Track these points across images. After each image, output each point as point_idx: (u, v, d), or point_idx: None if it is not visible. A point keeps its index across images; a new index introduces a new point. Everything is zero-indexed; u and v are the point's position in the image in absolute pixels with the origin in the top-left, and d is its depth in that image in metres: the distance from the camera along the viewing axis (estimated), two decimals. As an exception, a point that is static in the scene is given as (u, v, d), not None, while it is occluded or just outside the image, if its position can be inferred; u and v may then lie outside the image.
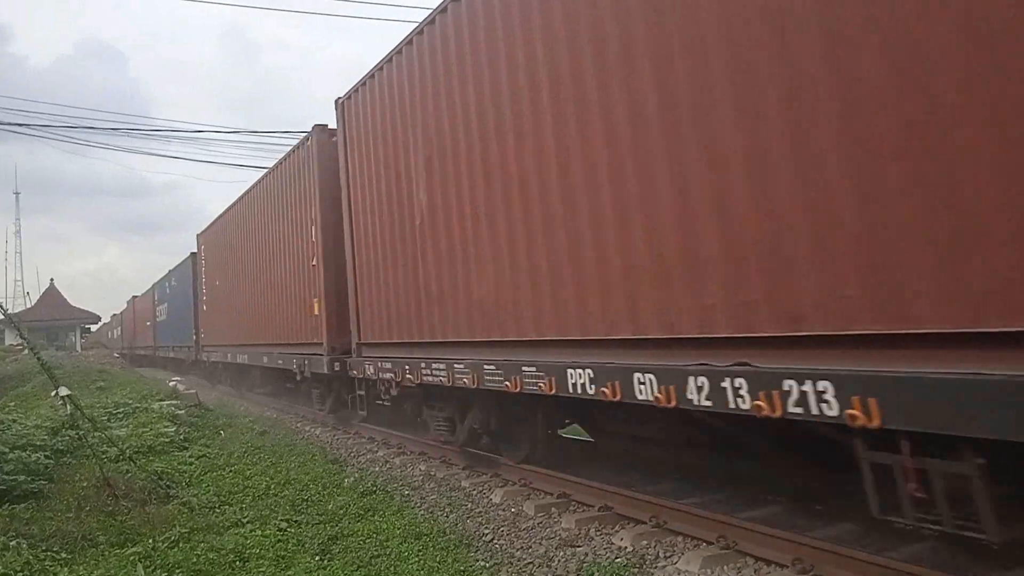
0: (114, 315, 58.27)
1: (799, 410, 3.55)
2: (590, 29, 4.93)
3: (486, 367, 6.27)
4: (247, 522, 5.89)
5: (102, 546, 5.29)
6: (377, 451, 9.52)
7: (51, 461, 7.49)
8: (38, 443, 7.87)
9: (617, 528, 5.45)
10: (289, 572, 4.80)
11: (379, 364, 8.44)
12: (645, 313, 4.60)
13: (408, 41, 7.44)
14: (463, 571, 4.79)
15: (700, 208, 4.13)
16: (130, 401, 12.78)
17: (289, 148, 12.68)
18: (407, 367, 7.68)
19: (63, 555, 5.02)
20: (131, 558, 4.92)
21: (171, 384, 18.32)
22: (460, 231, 6.64)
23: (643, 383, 4.54)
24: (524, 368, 5.75)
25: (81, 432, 7.61)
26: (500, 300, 6.09)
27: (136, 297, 39.01)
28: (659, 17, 4.35)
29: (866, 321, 3.30)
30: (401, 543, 5.27)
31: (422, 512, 6.35)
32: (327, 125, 10.43)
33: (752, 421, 3.99)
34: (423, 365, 7.31)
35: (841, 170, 3.35)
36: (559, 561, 4.93)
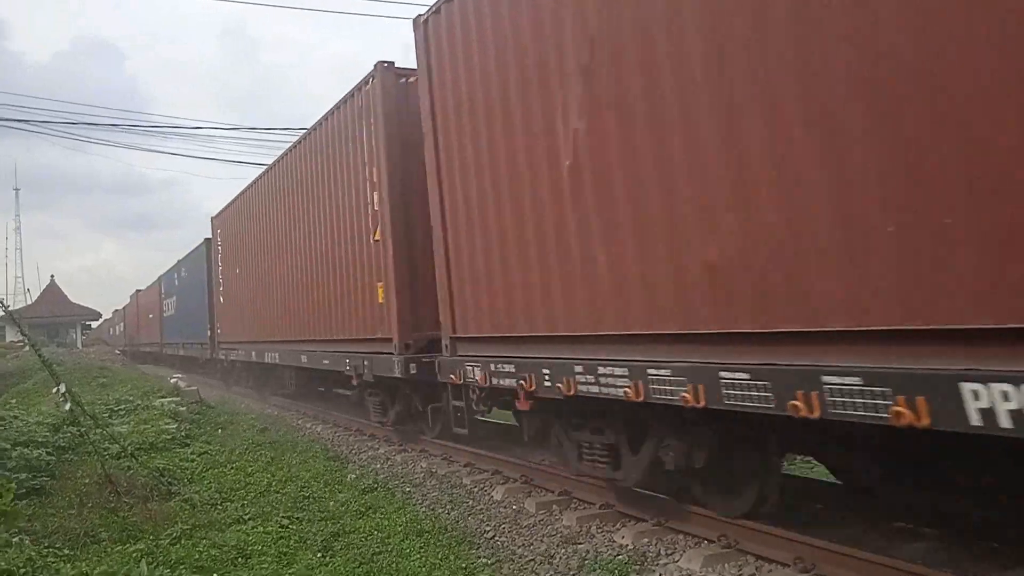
0: (116, 311, 57.51)
1: None
2: None
3: (722, 376, 3.93)
4: (249, 519, 5.92)
5: (104, 542, 5.31)
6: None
7: (53, 458, 7.49)
8: (40, 440, 7.88)
9: (618, 526, 5.45)
10: (291, 568, 4.83)
11: (493, 367, 6.18)
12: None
13: None
14: (464, 568, 4.81)
15: None
16: (131, 398, 12.79)
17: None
18: (545, 372, 5.48)
19: (66, 551, 5.03)
20: (134, 554, 4.94)
21: (172, 381, 18.34)
22: (657, 167, 4.34)
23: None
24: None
25: (83, 429, 7.63)
26: (751, 264, 3.80)
27: (140, 291, 36.87)
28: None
29: None
30: (403, 540, 5.29)
31: (423, 509, 6.37)
32: (393, 63, 8.48)
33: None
34: (579, 369, 5.08)
35: None
36: (560, 558, 4.95)
